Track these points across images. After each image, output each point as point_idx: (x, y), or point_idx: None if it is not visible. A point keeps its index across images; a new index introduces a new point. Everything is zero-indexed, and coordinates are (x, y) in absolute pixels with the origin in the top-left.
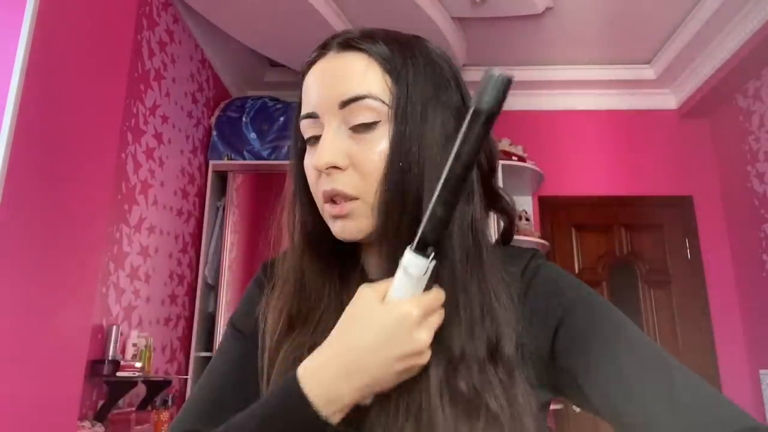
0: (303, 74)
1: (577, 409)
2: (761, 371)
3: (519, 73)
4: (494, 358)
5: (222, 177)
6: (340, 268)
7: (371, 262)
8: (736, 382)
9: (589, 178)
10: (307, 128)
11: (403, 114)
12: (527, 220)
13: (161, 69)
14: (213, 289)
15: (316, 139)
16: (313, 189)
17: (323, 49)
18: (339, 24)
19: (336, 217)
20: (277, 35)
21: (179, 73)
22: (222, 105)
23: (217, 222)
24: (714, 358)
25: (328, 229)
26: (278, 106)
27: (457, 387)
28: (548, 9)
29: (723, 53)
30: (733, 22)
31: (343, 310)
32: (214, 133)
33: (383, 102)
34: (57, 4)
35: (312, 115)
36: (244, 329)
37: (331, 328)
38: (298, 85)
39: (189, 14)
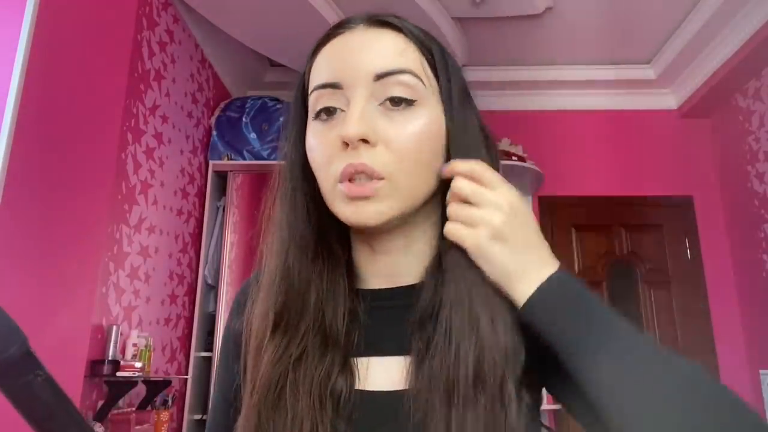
0: (317, 47)
1: None
2: (761, 371)
3: (519, 73)
4: (480, 384)
5: (222, 177)
6: (327, 275)
7: (371, 264)
8: (736, 382)
9: (589, 178)
10: (321, 99)
11: (450, 103)
12: None
13: (161, 69)
14: (213, 289)
15: (329, 112)
16: (322, 169)
17: (347, 23)
18: None
19: (354, 198)
20: (278, 35)
21: (179, 73)
22: (222, 105)
23: (217, 222)
24: (714, 358)
25: (315, 226)
26: (278, 106)
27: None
28: (548, 9)
29: (723, 53)
30: (733, 22)
31: (325, 323)
32: (214, 133)
33: (422, 82)
34: (57, 4)
35: (334, 85)
36: (231, 360)
37: (313, 342)
38: (303, 61)
39: (189, 14)
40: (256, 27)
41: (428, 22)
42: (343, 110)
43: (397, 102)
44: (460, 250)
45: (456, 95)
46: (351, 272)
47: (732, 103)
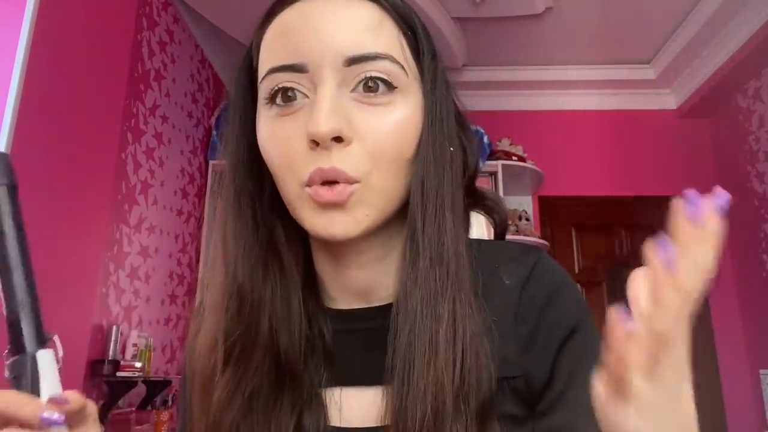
0: (269, 15)
1: None
2: (761, 371)
3: (519, 73)
4: (461, 405)
5: (222, 177)
6: (281, 293)
7: (340, 280)
8: (736, 382)
9: (589, 178)
10: (278, 80)
11: (432, 90)
12: (527, 220)
13: (161, 69)
14: None
15: (288, 97)
16: (282, 169)
17: None
18: None
19: (327, 205)
20: None
21: (179, 73)
22: (222, 105)
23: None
24: (714, 358)
25: (265, 236)
26: None
27: None
28: (548, 9)
29: (723, 53)
30: (733, 23)
31: (280, 352)
32: (214, 133)
33: (402, 68)
34: (57, 4)
35: (295, 67)
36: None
37: (269, 363)
38: (248, 34)
39: (189, 14)
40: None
41: (428, 22)
42: (306, 96)
43: (370, 87)
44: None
45: (443, 80)
46: (315, 289)
47: (732, 103)
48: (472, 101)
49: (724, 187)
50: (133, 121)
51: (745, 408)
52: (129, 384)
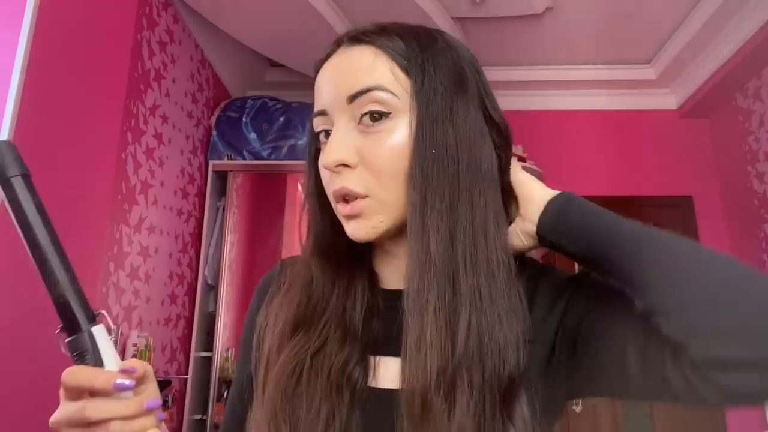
0: (316, 72)
1: (577, 409)
2: None
3: (519, 73)
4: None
5: (222, 177)
6: (348, 276)
7: (386, 265)
8: None
9: (589, 178)
10: (319, 125)
11: (425, 103)
12: None
13: (161, 69)
14: (213, 289)
15: (327, 134)
16: (327, 190)
17: (335, 45)
18: (339, 24)
19: (349, 216)
20: (278, 35)
21: (179, 73)
22: (222, 105)
23: (217, 222)
24: None
25: (338, 233)
26: (278, 106)
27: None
28: (548, 9)
29: (723, 53)
30: (733, 23)
31: (345, 317)
32: (214, 133)
33: (393, 94)
34: (57, 4)
35: (322, 113)
36: (247, 349)
37: (333, 335)
38: (309, 85)
39: (189, 14)
40: (257, 27)
41: (428, 22)
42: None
43: (374, 117)
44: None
45: (437, 94)
46: (374, 274)
47: (732, 103)
48: None
49: (724, 187)
50: (133, 121)
51: (744, 409)
52: None
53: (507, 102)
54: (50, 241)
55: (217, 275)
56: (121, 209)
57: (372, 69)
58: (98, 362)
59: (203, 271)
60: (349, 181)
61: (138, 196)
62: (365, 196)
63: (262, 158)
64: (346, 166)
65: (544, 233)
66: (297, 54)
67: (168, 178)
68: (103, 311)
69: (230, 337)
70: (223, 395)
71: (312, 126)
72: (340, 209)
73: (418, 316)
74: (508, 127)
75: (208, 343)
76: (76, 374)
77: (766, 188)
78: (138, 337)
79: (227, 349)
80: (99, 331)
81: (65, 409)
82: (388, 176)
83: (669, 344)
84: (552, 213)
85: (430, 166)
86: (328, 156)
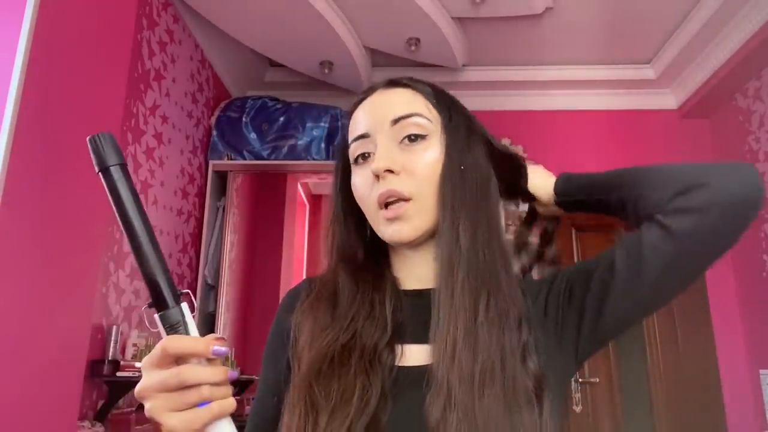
0: (351, 113)
1: (578, 409)
2: (761, 371)
3: (519, 73)
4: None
5: (222, 177)
6: (372, 278)
7: (405, 270)
8: (736, 382)
9: None
10: (357, 149)
11: (452, 134)
12: None
13: (161, 69)
14: (213, 289)
15: (365, 156)
16: (364, 201)
17: (371, 89)
18: (339, 24)
19: (391, 219)
20: (277, 35)
21: (179, 73)
22: (222, 105)
23: (217, 222)
24: (714, 358)
25: (360, 248)
26: (278, 106)
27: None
28: (548, 9)
29: (723, 53)
30: (733, 23)
31: (374, 311)
32: (214, 133)
33: (429, 120)
34: (57, 4)
35: (364, 136)
36: (277, 353)
37: (361, 330)
38: (309, 85)
39: (189, 14)
40: (257, 27)
41: (428, 22)
42: (373, 153)
43: (412, 138)
44: None
45: (459, 127)
46: (395, 279)
47: (732, 103)
48: (472, 101)
49: None
50: (133, 121)
51: (745, 408)
52: (129, 384)
53: (507, 102)
54: (143, 225)
55: (217, 275)
56: None
57: (412, 102)
58: (188, 333)
59: (203, 271)
60: (395, 185)
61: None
62: (408, 199)
63: (262, 158)
64: (391, 172)
65: (559, 195)
66: (297, 54)
67: (168, 178)
68: (188, 290)
69: (230, 337)
70: None
71: (344, 157)
72: (383, 214)
73: (449, 288)
74: (510, 153)
75: None
76: (179, 341)
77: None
78: (138, 337)
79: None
80: (185, 308)
81: (156, 376)
82: (427, 182)
83: (639, 224)
84: (561, 181)
85: (458, 179)
86: (377, 162)
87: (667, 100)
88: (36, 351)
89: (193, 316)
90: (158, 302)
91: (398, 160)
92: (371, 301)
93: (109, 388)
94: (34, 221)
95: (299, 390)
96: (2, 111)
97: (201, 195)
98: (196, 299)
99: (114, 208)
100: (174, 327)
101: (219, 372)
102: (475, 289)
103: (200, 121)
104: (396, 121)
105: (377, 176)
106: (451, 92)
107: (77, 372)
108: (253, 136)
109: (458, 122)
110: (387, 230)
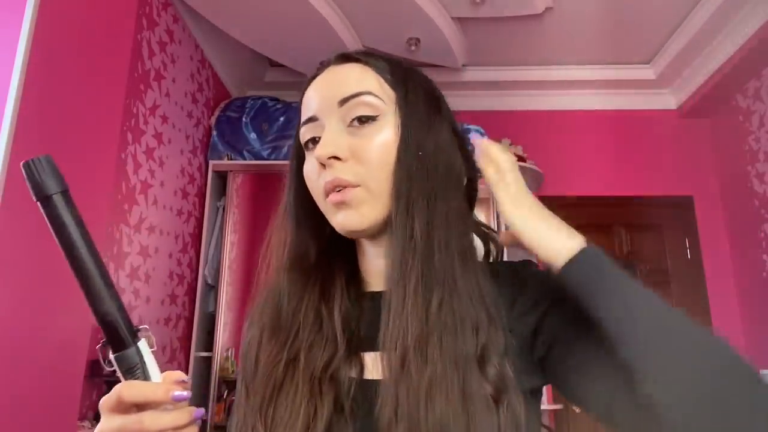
0: (303, 92)
1: (578, 410)
2: (761, 371)
3: (519, 73)
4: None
5: (222, 177)
6: (320, 284)
7: (369, 269)
8: None
9: (589, 178)
10: (306, 133)
11: (408, 112)
12: None
13: (161, 69)
14: (213, 289)
15: (315, 141)
16: (314, 190)
17: (322, 66)
18: (339, 24)
19: (338, 205)
20: (277, 35)
21: (179, 73)
22: (222, 105)
23: (217, 222)
24: None
25: (313, 242)
26: (278, 106)
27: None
28: (548, 9)
29: (723, 53)
30: (733, 23)
31: (320, 322)
32: (214, 133)
33: (380, 99)
34: (57, 4)
35: (312, 119)
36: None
37: (308, 347)
38: (298, 102)
39: (189, 14)
40: (257, 27)
41: (428, 22)
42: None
43: (362, 120)
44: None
45: (419, 105)
46: (358, 278)
47: (732, 103)
48: (472, 101)
49: (724, 187)
50: (133, 121)
51: None
52: None
53: (507, 102)
54: (92, 261)
55: (217, 275)
56: (121, 209)
57: (361, 79)
58: (147, 376)
59: (203, 271)
60: (342, 172)
61: (138, 196)
62: (356, 185)
63: (262, 158)
64: (338, 159)
65: (569, 275)
66: (297, 54)
67: (168, 178)
68: (146, 326)
69: (230, 337)
70: (223, 395)
71: (296, 141)
72: (331, 198)
73: (401, 289)
74: (470, 149)
75: (208, 343)
76: (135, 388)
77: (766, 188)
78: None
79: (227, 349)
80: (143, 346)
81: (116, 421)
82: (377, 168)
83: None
84: (587, 265)
85: (415, 165)
86: (322, 149)
87: (667, 100)
88: (36, 351)
89: (152, 352)
90: (113, 342)
91: (344, 145)
92: (317, 310)
93: (109, 388)
94: (35, 221)
95: (246, 419)
96: (2, 111)
97: (201, 195)
98: (196, 299)
99: (57, 240)
100: (131, 370)
101: (183, 415)
102: (429, 291)
103: (200, 121)
104: (343, 101)
105: (323, 164)
106: (452, 92)
107: (77, 372)
108: (253, 136)
109: (416, 99)
110: (335, 218)
